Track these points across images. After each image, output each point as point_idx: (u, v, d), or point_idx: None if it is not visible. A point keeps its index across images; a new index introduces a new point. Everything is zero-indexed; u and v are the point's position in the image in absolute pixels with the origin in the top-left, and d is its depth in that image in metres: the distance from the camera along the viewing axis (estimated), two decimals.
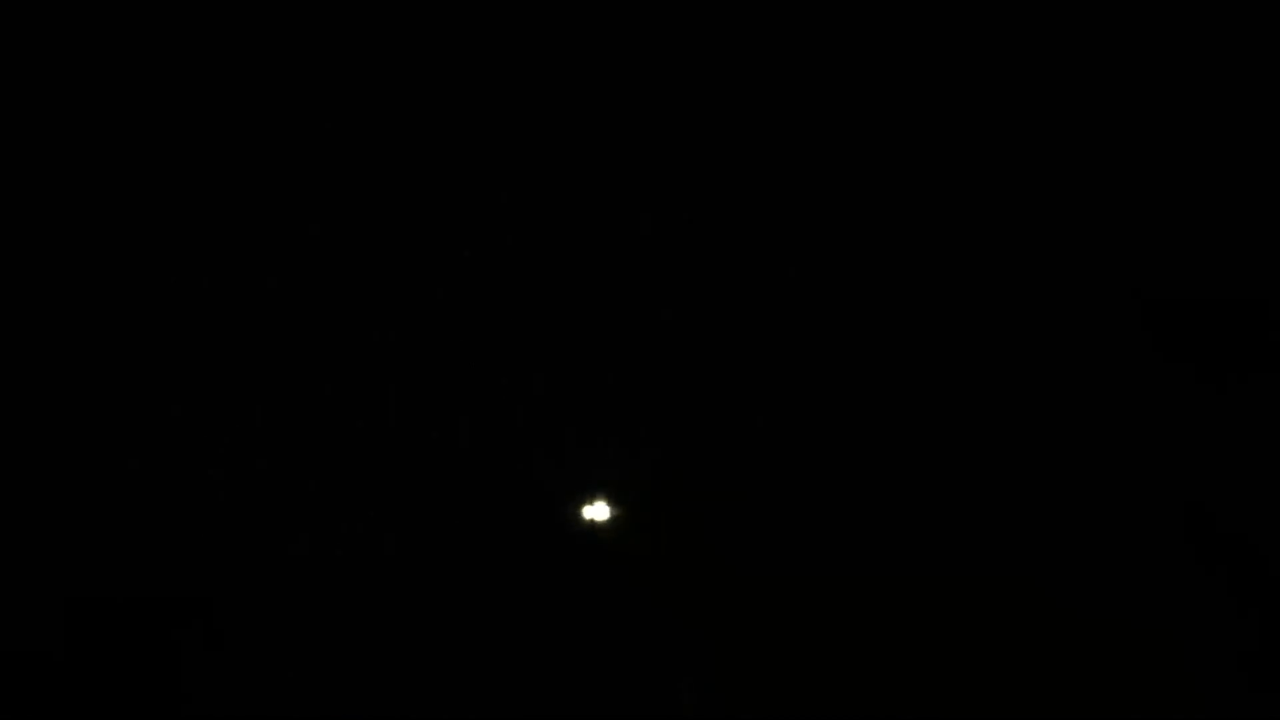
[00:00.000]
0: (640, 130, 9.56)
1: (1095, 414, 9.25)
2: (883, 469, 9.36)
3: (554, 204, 9.56)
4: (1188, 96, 9.43)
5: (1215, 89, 9.43)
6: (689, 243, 9.55)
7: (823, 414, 9.44)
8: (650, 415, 9.44)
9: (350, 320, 9.45)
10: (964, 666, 8.95)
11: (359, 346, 9.44)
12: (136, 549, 9.22)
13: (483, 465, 9.36)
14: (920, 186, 9.57)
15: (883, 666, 9.02)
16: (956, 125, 9.56)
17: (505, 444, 9.38)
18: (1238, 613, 8.92)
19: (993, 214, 9.56)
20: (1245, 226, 9.33)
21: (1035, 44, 9.53)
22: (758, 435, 9.41)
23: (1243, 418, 9.08)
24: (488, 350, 9.48)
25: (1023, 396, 9.36)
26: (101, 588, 9.14)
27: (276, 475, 9.31)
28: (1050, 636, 8.95)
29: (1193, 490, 9.09)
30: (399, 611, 9.15)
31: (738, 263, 9.57)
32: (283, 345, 9.41)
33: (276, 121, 9.44)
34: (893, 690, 8.99)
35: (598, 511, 9.35)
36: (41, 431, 9.28)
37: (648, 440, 9.41)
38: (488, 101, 9.55)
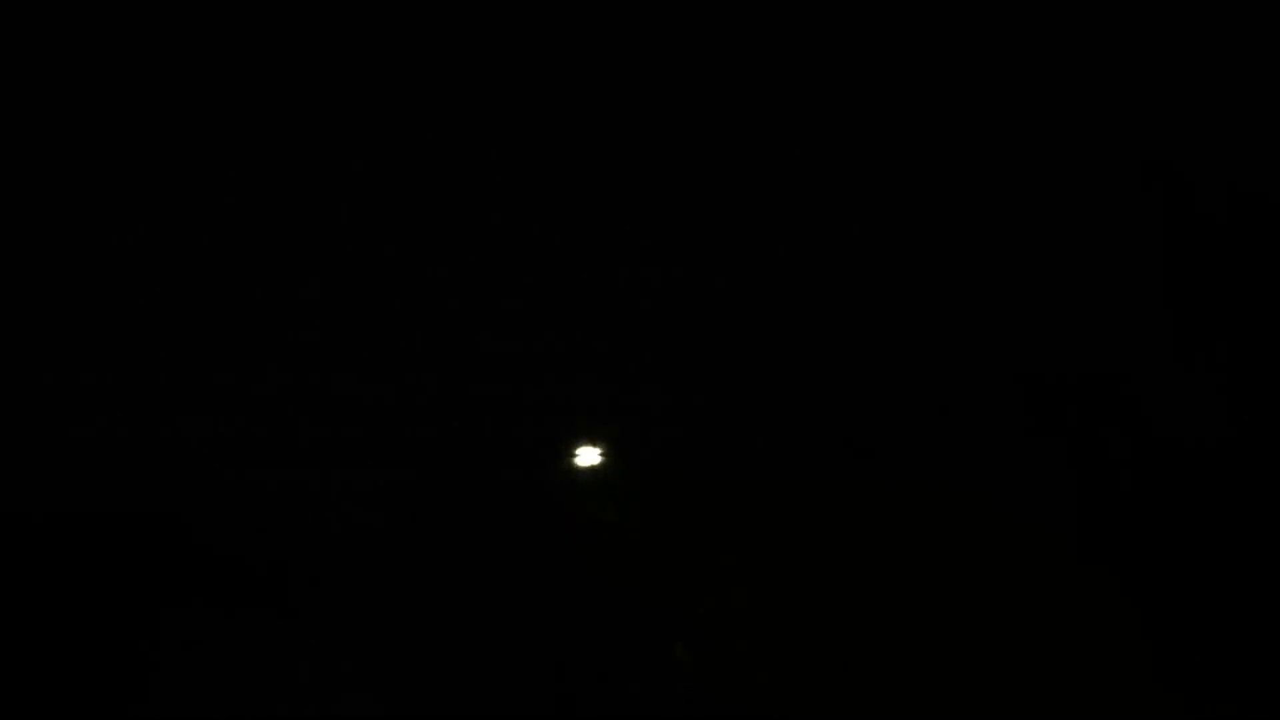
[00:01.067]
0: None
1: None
2: (873, 422, 9.41)
3: (544, 160, 9.61)
4: None
5: None
6: (682, 200, 9.61)
7: (815, 366, 9.50)
8: (641, 362, 9.48)
9: (338, 266, 9.49)
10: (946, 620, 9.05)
11: (346, 292, 9.47)
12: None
13: (471, 412, 9.38)
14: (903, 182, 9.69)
15: (874, 616, 9.08)
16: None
17: (494, 390, 9.40)
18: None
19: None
20: None
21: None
22: (750, 385, 9.46)
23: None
24: (478, 297, 9.51)
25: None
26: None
27: (261, 422, 9.33)
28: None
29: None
30: (385, 559, 9.15)
31: (730, 216, 9.63)
32: (268, 294, 9.44)
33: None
34: (886, 644, 9.02)
35: (586, 458, 9.37)
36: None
37: (638, 387, 9.44)
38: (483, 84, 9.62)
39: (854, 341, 9.59)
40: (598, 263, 9.56)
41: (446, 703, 8.92)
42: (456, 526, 9.25)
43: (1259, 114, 9.54)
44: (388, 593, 9.08)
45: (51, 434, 9.30)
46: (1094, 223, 9.60)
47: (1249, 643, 8.90)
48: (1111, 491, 9.31)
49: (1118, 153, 9.60)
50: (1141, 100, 9.58)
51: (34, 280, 9.40)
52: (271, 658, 8.97)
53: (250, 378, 9.37)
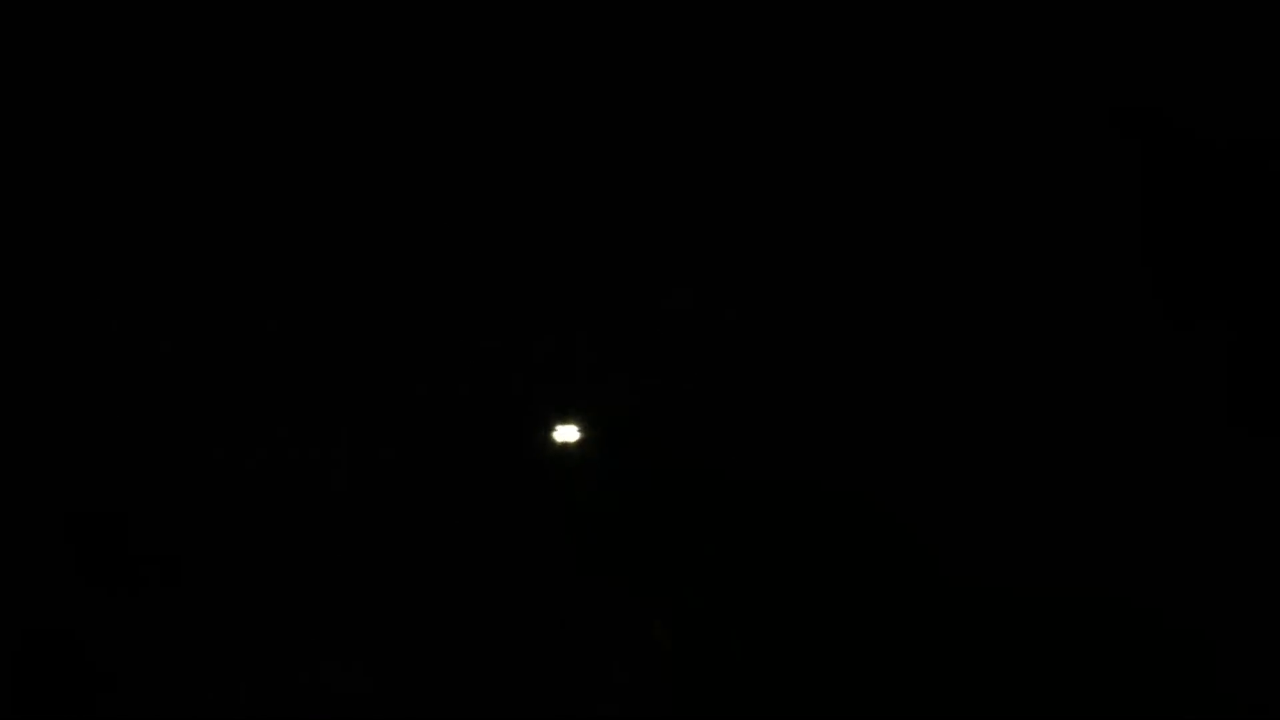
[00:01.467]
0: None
1: None
2: (852, 393, 9.39)
3: (540, 159, 9.68)
4: None
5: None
6: (663, 181, 9.65)
7: (791, 342, 9.49)
8: (621, 341, 9.51)
9: (333, 243, 9.56)
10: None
11: (339, 289, 9.54)
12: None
13: (457, 389, 9.42)
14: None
15: (849, 588, 9.13)
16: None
17: (479, 368, 9.44)
18: None
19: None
20: None
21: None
22: (728, 362, 9.46)
23: None
24: (463, 278, 9.57)
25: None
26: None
27: (256, 390, 9.38)
28: None
29: None
30: (372, 532, 9.18)
31: (726, 215, 9.65)
32: (261, 291, 9.51)
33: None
34: (860, 614, 9.07)
35: (568, 434, 9.40)
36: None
37: (618, 365, 9.47)
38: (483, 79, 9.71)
39: (851, 341, 9.59)
40: (594, 260, 9.62)
41: (433, 689, 8.94)
42: (445, 516, 9.31)
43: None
44: (373, 582, 9.12)
45: (49, 434, 9.39)
46: (1093, 223, 9.59)
47: (1249, 640, 8.80)
48: (1112, 490, 9.24)
49: (1113, 153, 9.61)
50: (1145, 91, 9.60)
51: (34, 281, 9.52)
52: (253, 651, 9.01)
53: (240, 375, 9.44)
